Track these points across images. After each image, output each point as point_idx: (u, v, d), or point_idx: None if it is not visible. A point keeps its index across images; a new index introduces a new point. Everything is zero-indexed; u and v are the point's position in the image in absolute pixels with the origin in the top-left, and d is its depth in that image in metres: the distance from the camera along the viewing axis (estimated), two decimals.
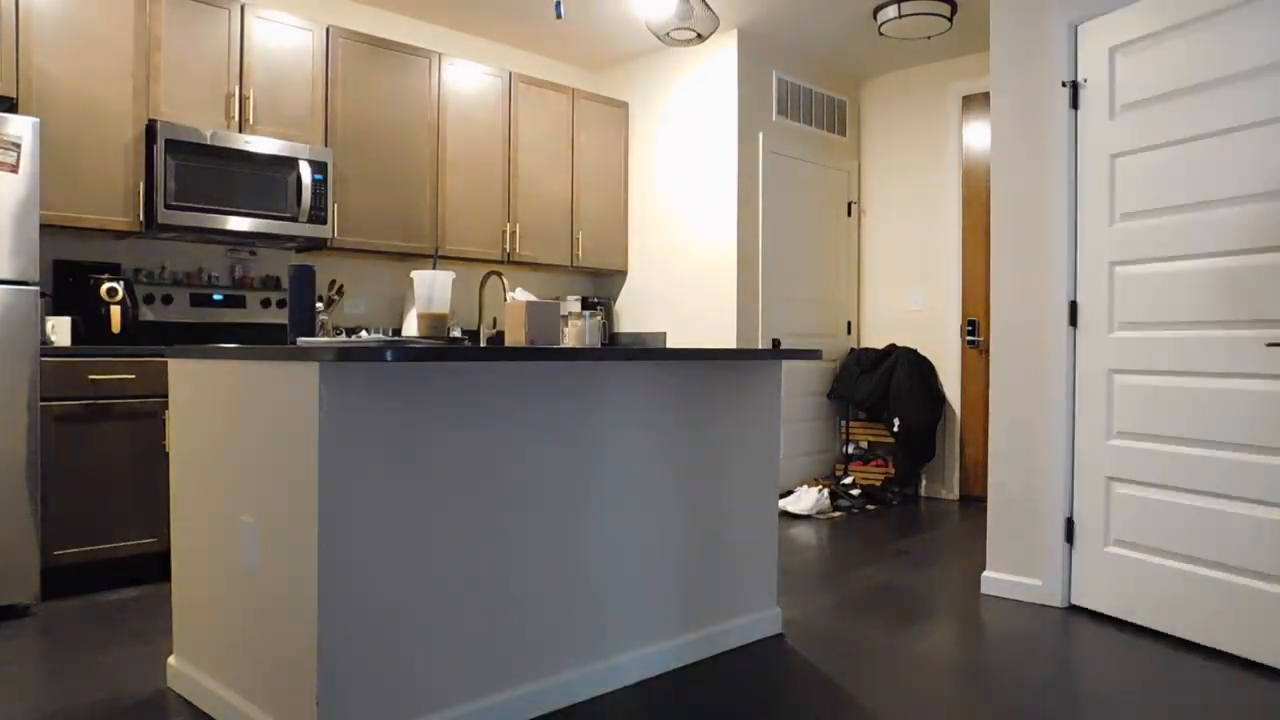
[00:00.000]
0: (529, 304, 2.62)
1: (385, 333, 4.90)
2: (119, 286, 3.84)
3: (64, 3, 3.65)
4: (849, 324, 6.28)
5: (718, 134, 5.46)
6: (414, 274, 2.69)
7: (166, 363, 3.60)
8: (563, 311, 5.29)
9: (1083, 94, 3.35)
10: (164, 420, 3.60)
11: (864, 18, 5.13)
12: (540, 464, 2.41)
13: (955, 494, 5.82)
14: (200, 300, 4.30)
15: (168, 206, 3.83)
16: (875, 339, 6.24)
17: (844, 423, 6.05)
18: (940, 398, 5.83)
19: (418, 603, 2.15)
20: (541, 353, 2.21)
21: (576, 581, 2.51)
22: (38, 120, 3.29)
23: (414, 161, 4.77)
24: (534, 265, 5.43)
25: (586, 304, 5.74)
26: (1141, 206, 3.17)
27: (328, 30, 4.42)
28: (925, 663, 2.81)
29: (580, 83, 6.02)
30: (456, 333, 5.04)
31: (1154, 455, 3.11)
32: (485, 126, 5.09)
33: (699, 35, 3.86)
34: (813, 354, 3.05)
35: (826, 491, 5.36)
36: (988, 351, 5.15)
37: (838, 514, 5.29)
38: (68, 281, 3.87)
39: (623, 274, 5.95)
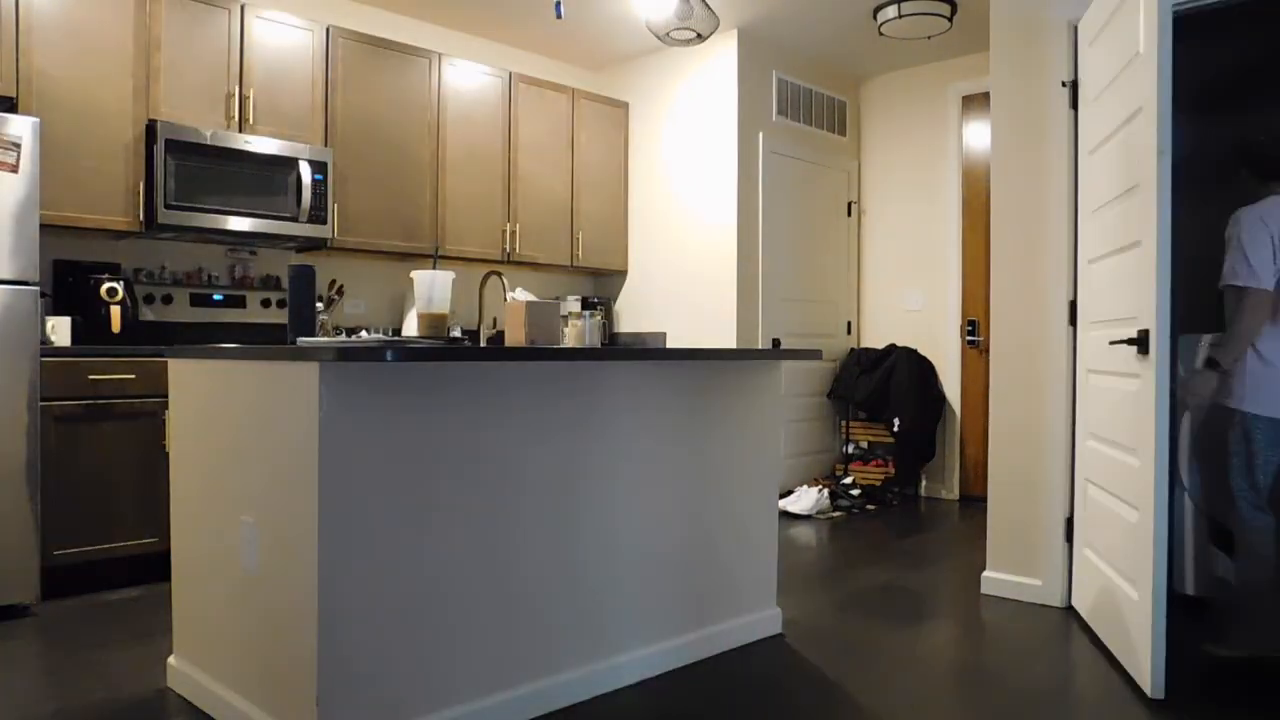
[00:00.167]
0: (529, 304, 2.62)
1: (385, 333, 4.90)
2: (119, 286, 3.84)
3: (64, 3, 3.65)
4: (849, 324, 6.27)
5: (718, 134, 5.46)
6: (414, 274, 2.69)
7: (166, 363, 3.59)
8: (563, 311, 5.29)
9: (1082, 94, 3.34)
10: (164, 420, 3.60)
11: (864, 18, 5.13)
12: (540, 464, 2.41)
13: (955, 494, 5.82)
14: (200, 300, 4.30)
15: (168, 206, 3.83)
16: (875, 339, 6.23)
17: (844, 423, 6.05)
18: (940, 398, 5.83)
19: (417, 603, 2.15)
20: (541, 353, 2.21)
21: (576, 581, 2.50)
22: (38, 120, 3.29)
23: (414, 161, 4.77)
24: (534, 265, 5.43)
25: (586, 304, 5.74)
26: None
27: (328, 30, 4.42)
28: (925, 663, 2.81)
29: (580, 83, 6.02)
30: (456, 333, 5.04)
31: None
32: (485, 126, 5.09)
33: (699, 35, 3.86)
34: (813, 354, 3.05)
35: (826, 491, 5.36)
36: (988, 351, 5.15)
37: (838, 514, 5.29)
38: (68, 281, 3.87)
39: (623, 274, 5.95)
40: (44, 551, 3.31)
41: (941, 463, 5.87)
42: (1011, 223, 3.57)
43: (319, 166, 4.27)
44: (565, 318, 3.85)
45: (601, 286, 6.13)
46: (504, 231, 5.17)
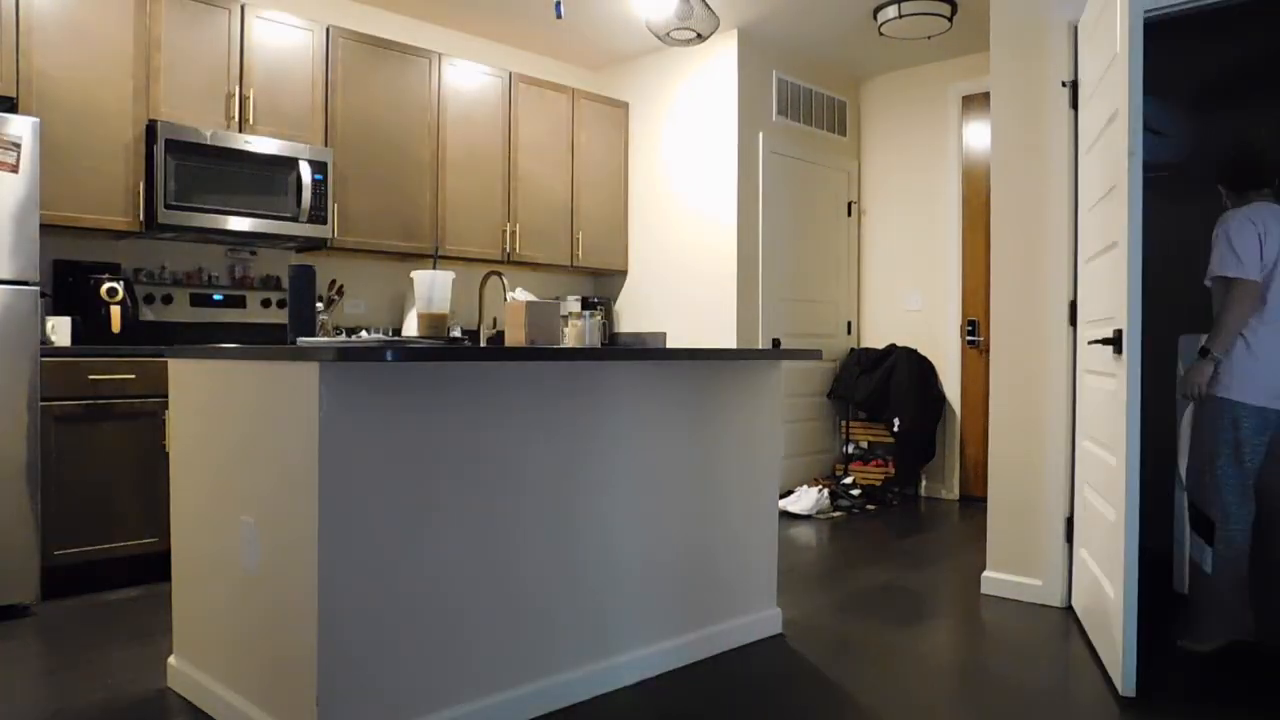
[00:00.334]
0: (529, 304, 2.62)
1: (385, 333, 4.90)
2: (119, 286, 3.84)
3: (64, 3, 3.65)
4: (849, 324, 6.27)
5: (718, 134, 5.46)
6: (414, 274, 2.69)
7: (166, 363, 3.59)
8: (563, 311, 5.29)
9: (1081, 93, 3.34)
10: (164, 420, 3.60)
11: (864, 18, 5.13)
12: (540, 464, 2.41)
13: (955, 494, 5.82)
14: (200, 300, 4.30)
15: (168, 206, 3.83)
16: (875, 339, 6.23)
17: (844, 423, 6.05)
18: (940, 398, 5.83)
19: (417, 602, 2.15)
20: (541, 353, 2.21)
21: (576, 581, 2.51)
22: (38, 120, 3.29)
23: (414, 161, 4.77)
24: (534, 265, 5.43)
25: (586, 304, 5.74)
26: None
27: (328, 30, 4.42)
28: (925, 663, 2.81)
29: (580, 83, 6.02)
30: (456, 333, 5.04)
31: None
32: (485, 126, 5.09)
33: (699, 35, 3.86)
34: (813, 354, 3.05)
35: (826, 491, 5.36)
36: (988, 351, 5.15)
37: (838, 514, 5.29)
38: (68, 281, 3.87)
39: (623, 274, 5.95)
40: (44, 551, 3.31)
41: (941, 463, 5.87)
42: (1011, 223, 3.57)
43: (319, 166, 4.28)
44: (565, 318, 3.85)
45: (601, 286, 6.13)
46: (504, 231, 5.17)
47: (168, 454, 2.62)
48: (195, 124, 3.97)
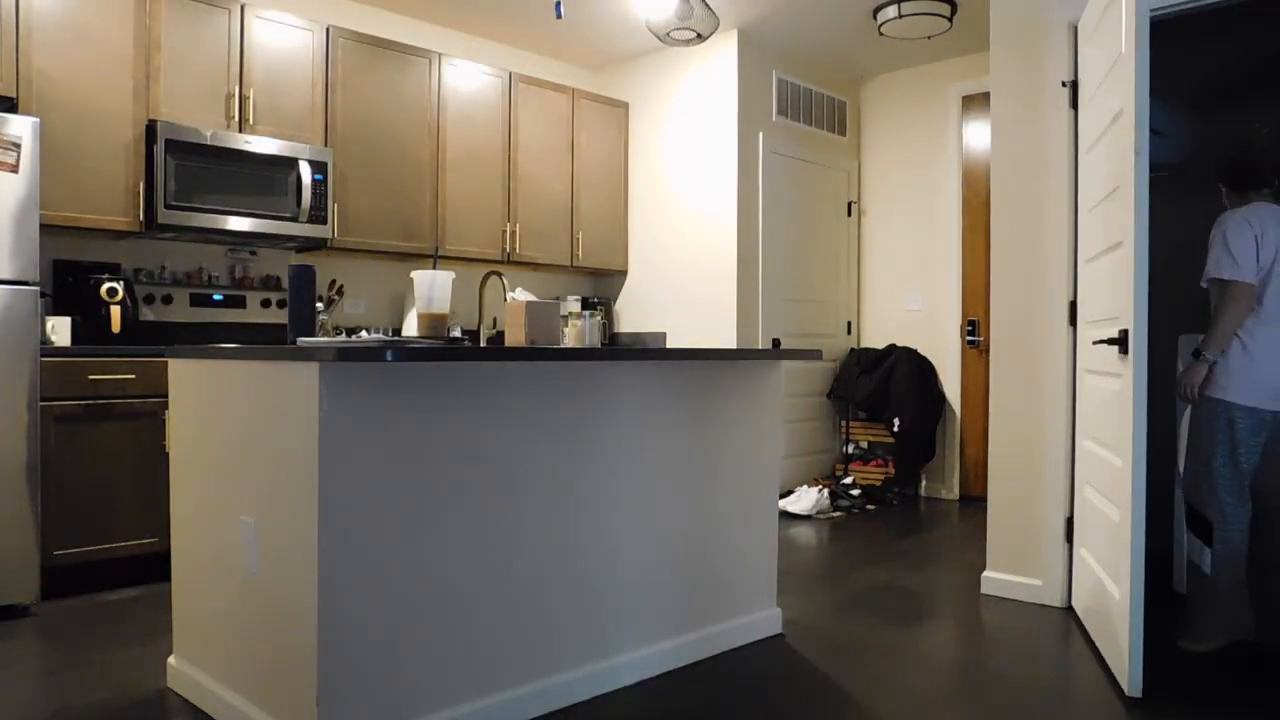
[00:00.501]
0: (529, 304, 2.62)
1: (385, 333, 4.90)
2: (119, 286, 3.84)
3: (64, 3, 3.65)
4: (849, 324, 6.27)
5: (718, 134, 5.46)
6: (414, 274, 2.69)
7: (166, 363, 3.60)
8: (563, 311, 5.29)
9: (1082, 93, 3.34)
10: (164, 420, 3.60)
11: (864, 18, 5.13)
12: (540, 464, 2.41)
13: (955, 494, 5.82)
14: (200, 300, 4.30)
15: (168, 206, 3.83)
16: (875, 339, 6.23)
17: (844, 423, 6.05)
18: (940, 398, 5.83)
19: (417, 603, 2.15)
20: (541, 353, 2.21)
21: (576, 581, 2.50)
22: (38, 120, 3.29)
23: (414, 161, 4.77)
24: (534, 265, 5.43)
25: (586, 304, 5.74)
26: None
27: (328, 30, 4.42)
28: (925, 662, 2.81)
29: (580, 83, 6.02)
30: (456, 333, 5.04)
31: None
32: (485, 126, 5.09)
33: (699, 35, 3.86)
34: (813, 354, 3.05)
35: (826, 491, 5.36)
36: (988, 351, 5.15)
37: (838, 514, 5.29)
38: (68, 281, 3.87)
39: (623, 274, 5.95)
40: (44, 551, 3.31)
41: (941, 463, 5.87)
42: (1011, 223, 3.57)
43: (319, 166, 4.28)
44: (565, 318, 3.85)
45: (601, 286, 6.13)
46: (504, 231, 5.17)
47: (168, 454, 2.62)
48: (195, 124, 3.97)
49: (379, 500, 2.08)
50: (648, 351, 2.48)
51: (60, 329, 3.63)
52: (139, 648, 2.87)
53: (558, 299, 5.81)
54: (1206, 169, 4.04)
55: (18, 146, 3.22)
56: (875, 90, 6.27)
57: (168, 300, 4.20)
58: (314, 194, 4.25)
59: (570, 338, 3.49)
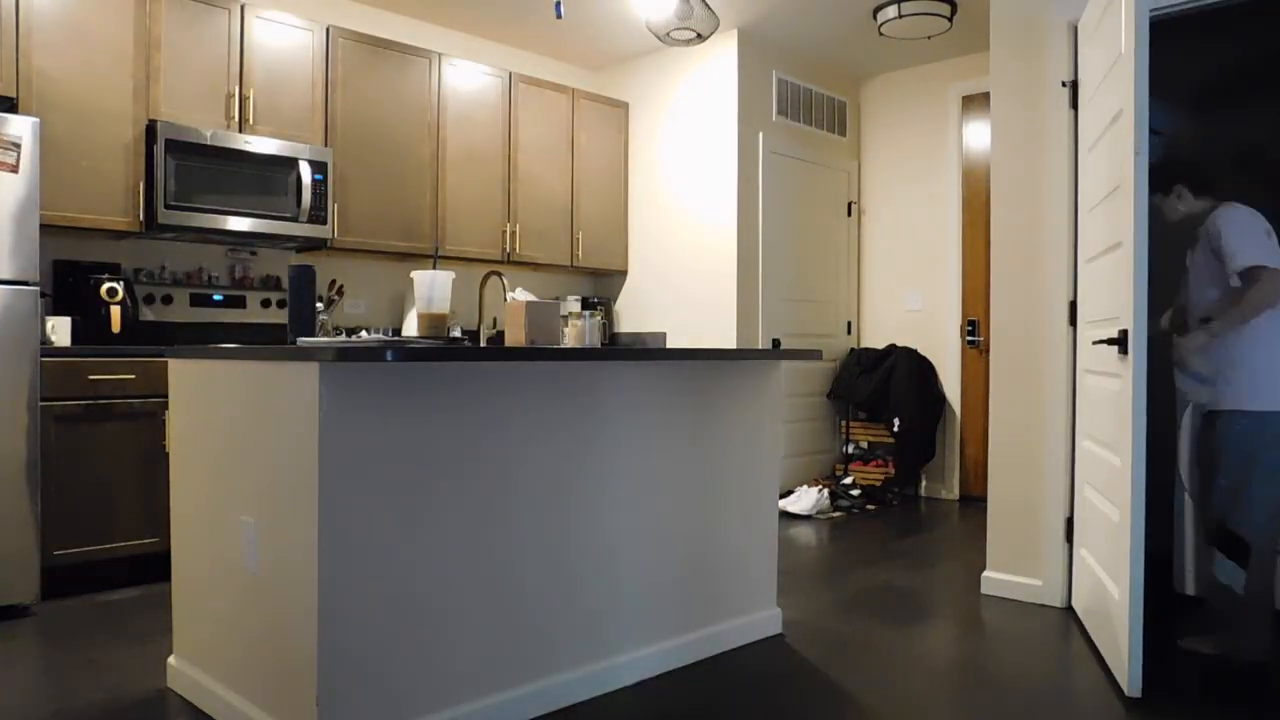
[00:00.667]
0: (529, 304, 2.62)
1: (385, 333, 4.90)
2: (119, 286, 3.84)
3: (64, 3, 3.65)
4: (849, 324, 6.27)
5: (718, 134, 5.46)
6: (414, 274, 2.69)
7: (166, 363, 3.59)
8: (563, 311, 5.29)
9: (1082, 93, 3.34)
10: (164, 420, 3.60)
11: (864, 18, 5.13)
12: (540, 464, 2.41)
13: (955, 494, 5.82)
14: (200, 300, 4.30)
15: (168, 206, 3.83)
16: (875, 339, 6.23)
17: (844, 423, 6.05)
18: (940, 398, 5.83)
19: (417, 602, 2.15)
20: (541, 353, 2.21)
21: (576, 581, 2.50)
22: (38, 120, 3.29)
23: (414, 161, 4.77)
24: (534, 265, 5.43)
25: (586, 304, 5.74)
26: None
27: (328, 30, 4.42)
28: (925, 663, 2.81)
29: (580, 83, 6.02)
30: (456, 333, 5.04)
31: None
32: (485, 126, 5.09)
33: (699, 35, 3.86)
34: (813, 354, 3.05)
35: (826, 491, 5.36)
36: (988, 351, 5.14)
37: (838, 514, 5.29)
38: (68, 281, 3.87)
39: (623, 274, 5.95)
40: (44, 551, 3.31)
41: (941, 463, 5.87)
42: (1011, 223, 3.57)
43: (319, 166, 4.28)
44: (565, 318, 3.85)
45: (601, 286, 6.13)
46: (504, 231, 5.17)
47: (168, 454, 2.61)
48: (195, 124, 3.97)
49: (379, 500, 2.08)
50: (648, 351, 2.48)
51: (60, 329, 3.63)
52: (139, 648, 2.87)
53: (558, 299, 5.81)
54: (1207, 169, 4.03)
55: (18, 146, 3.22)
56: (875, 90, 6.27)
57: (168, 300, 4.20)
58: (314, 194, 4.25)
59: (570, 338, 3.49)
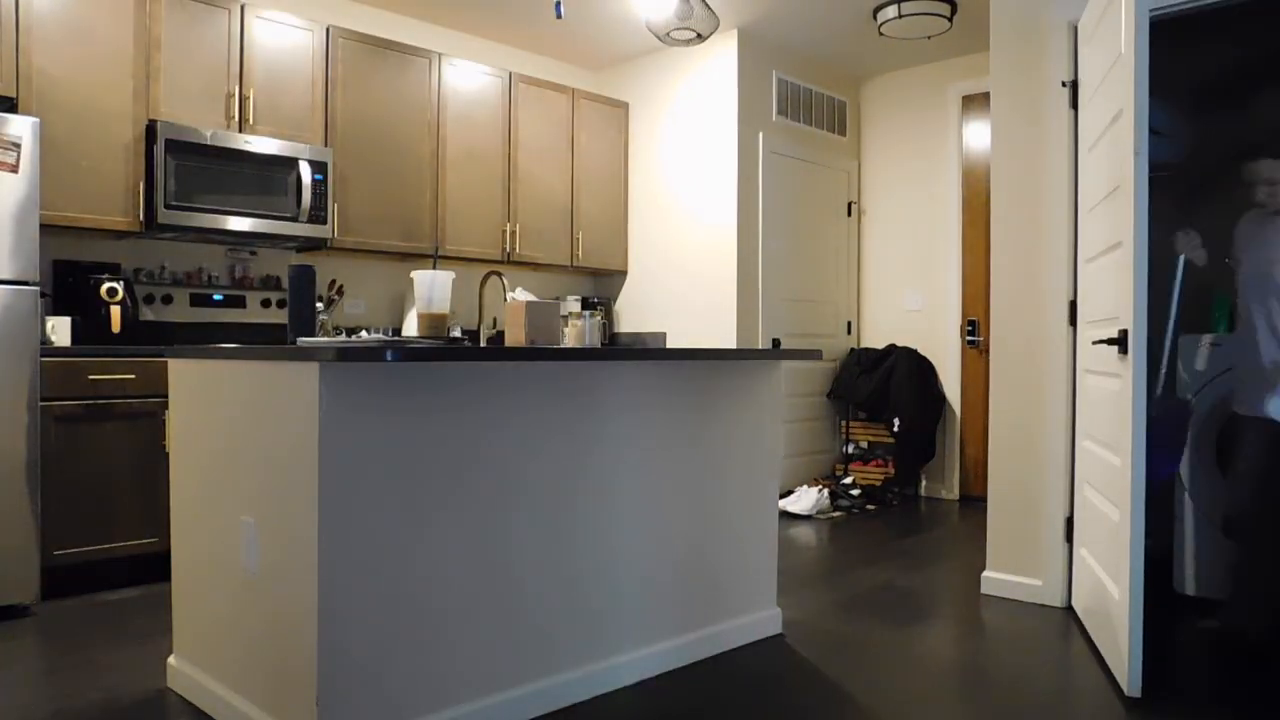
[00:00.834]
0: (529, 304, 2.62)
1: (385, 333, 4.90)
2: (119, 286, 3.84)
3: (64, 3, 3.65)
4: (849, 324, 6.27)
5: (718, 134, 5.46)
6: (414, 274, 2.69)
7: (166, 363, 3.60)
8: (563, 311, 5.29)
9: (1082, 93, 3.34)
10: (164, 420, 3.60)
11: (864, 18, 5.13)
12: (540, 464, 2.41)
13: (955, 494, 5.82)
14: (200, 300, 4.30)
15: (168, 206, 3.83)
16: (875, 339, 6.23)
17: (844, 423, 6.05)
18: (940, 398, 5.83)
19: (417, 603, 2.15)
20: (541, 353, 2.21)
21: (576, 581, 2.50)
22: (38, 120, 3.29)
23: (414, 161, 4.77)
24: (534, 265, 5.43)
25: (586, 304, 5.74)
26: None
27: (328, 30, 4.42)
28: (925, 663, 2.81)
29: (580, 83, 6.02)
30: (456, 333, 5.04)
31: None
32: (485, 126, 5.09)
33: (699, 35, 3.86)
34: (813, 354, 3.05)
35: (826, 491, 5.36)
36: (988, 351, 5.15)
37: (838, 514, 5.29)
38: (68, 281, 3.87)
39: (623, 274, 5.95)
40: (44, 551, 3.31)
41: (941, 463, 5.87)
42: (1011, 223, 3.57)
43: (319, 166, 4.28)
44: (565, 318, 3.85)
45: (601, 286, 6.13)
46: (504, 231, 5.17)
47: (168, 454, 2.62)
48: (195, 124, 3.97)
49: (379, 500, 2.08)
50: (648, 351, 2.48)
51: (60, 329, 3.63)
52: (139, 648, 2.87)
53: (558, 299, 5.81)
54: (1206, 169, 4.04)
55: (18, 146, 3.22)
56: (875, 90, 6.27)
57: (168, 300, 4.20)
58: (314, 194, 4.25)
59: (570, 338, 3.49)
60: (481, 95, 5.06)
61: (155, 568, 3.65)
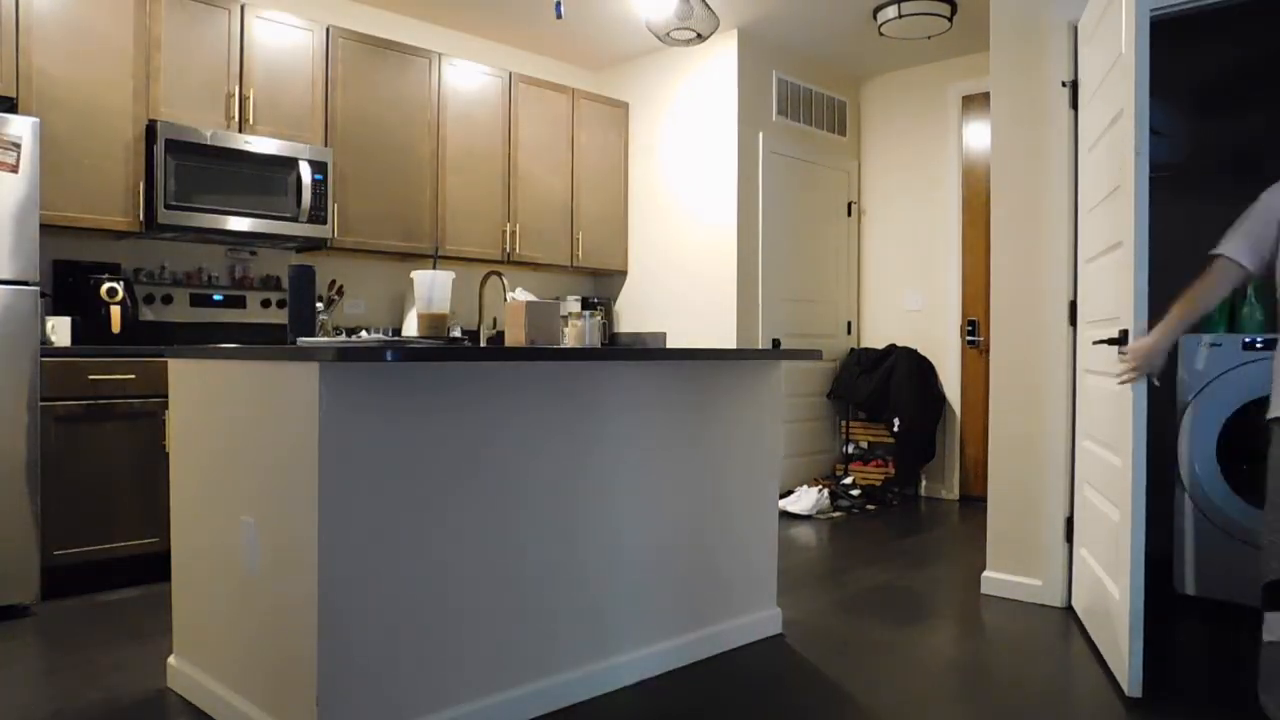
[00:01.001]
0: (529, 304, 2.62)
1: (385, 333, 4.90)
2: (119, 286, 3.84)
3: (64, 3, 3.65)
4: (849, 324, 6.27)
5: (718, 134, 5.46)
6: (414, 274, 2.69)
7: (166, 363, 3.60)
8: (563, 311, 5.29)
9: (1083, 94, 3.34)
10: (164, 420, 3.60)
11: (864, 18, 5.13)
12: (540, 464, 2.41)
13: (955, 494, 5.82)
14: (200, 300, 4.30)
15: (168, 206, 3.83)
16: (875, 339, 6.23)
17: (844, 423, 6.05)
18: (940, 398, 5.83)
19: (417, 602, 2.15)
20: (541, 353, 2.21)
21: (576, 581, 2.50)
22: (38, 120, 3.29)
23: (414, 161, 4.77)
24: (534, 265, 5.43)
25: (586, 304, 5.74)
26: None
27: (328, 30, 4.42)
28: (925, 663, 2.81)
29: (580, 83, 6.02)
30: (456, 333, 5.04)
31: None
32: (485, 126, 5.08)
33: (699, 35, 3.86)
34: (813, 354, 3.05)
35: (826, 491, 5.36)
36: (988, 351, 5.15)
37: (838, 514, 5.29)
38: (68, 281, 3.87)
39: (623, 274, 5.95)
40: (44, 551, 3.31)
41: (941, 463, 5.87)
42: (1011, 223, 3.57)
43: (319, 166, 4.27)
44: (565, 318, 3.85)
45: (601, 286, 6.13)
46: (504, 231, 5.17)
47: (168, 454, 2.62)
48: (195, 124, 3.97)
49: (379, 500, 2.08)
50: (648, 351, 2.48)
51: (60, 329, 3.63)
52: (139, 648, 2.87)
53: (558, 299, 5.81)
54: (1206, 169, 4.04)
55: (18, 146, 3.22)
56: (875, 90, 6.27)
57: (168, 300, 4.20)
58: (314, 194, 4.25)
59: (570, 338, 3.49)
60: (481, 95, 5.06)
61: (155, 568, 3.65)
